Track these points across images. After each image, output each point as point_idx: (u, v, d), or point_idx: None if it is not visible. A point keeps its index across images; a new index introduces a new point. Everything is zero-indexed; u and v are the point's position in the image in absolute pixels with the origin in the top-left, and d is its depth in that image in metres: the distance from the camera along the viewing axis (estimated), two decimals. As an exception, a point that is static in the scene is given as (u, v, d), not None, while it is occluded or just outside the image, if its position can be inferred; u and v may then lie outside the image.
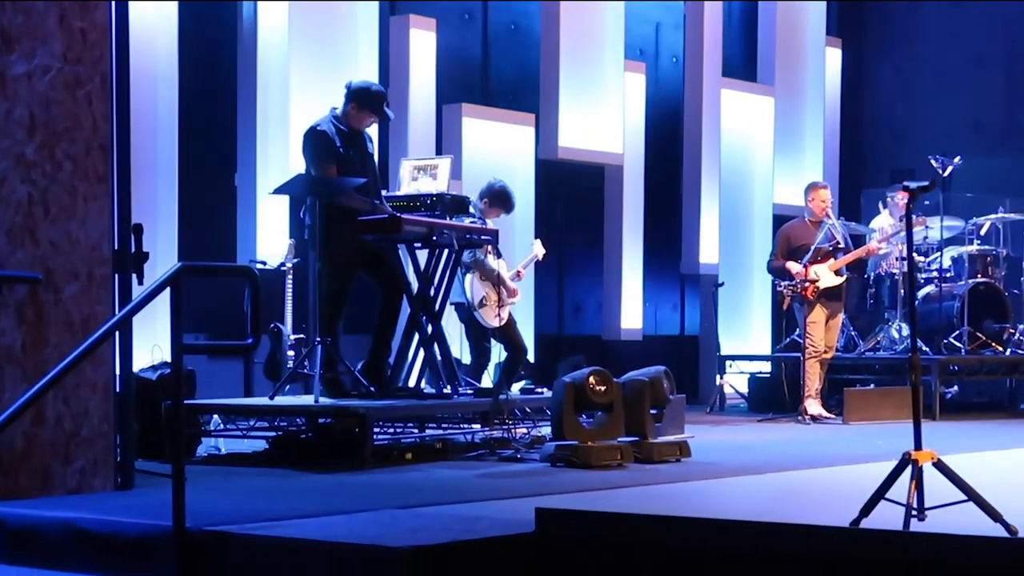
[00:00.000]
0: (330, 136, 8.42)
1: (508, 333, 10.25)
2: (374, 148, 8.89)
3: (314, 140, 8.46)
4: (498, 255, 10.22)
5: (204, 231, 10.89)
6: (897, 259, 12.62)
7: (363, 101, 8.57)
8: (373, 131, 9.12)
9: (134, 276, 6.60)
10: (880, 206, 12.88)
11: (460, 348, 10.45)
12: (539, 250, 10.92)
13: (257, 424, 8.52)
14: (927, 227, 12.77)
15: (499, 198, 10.28)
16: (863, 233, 12.77)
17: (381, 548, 4.60)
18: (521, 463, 7.92)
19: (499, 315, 10.09)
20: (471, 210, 9.55)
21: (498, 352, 10.41)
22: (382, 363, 8.66)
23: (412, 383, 8.87)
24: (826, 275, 11.58)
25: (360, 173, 8.37)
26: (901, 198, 12.61)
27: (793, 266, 11.64)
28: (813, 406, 11.57)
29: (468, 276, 10.00)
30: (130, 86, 6.73)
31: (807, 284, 11.47)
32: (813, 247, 11.58)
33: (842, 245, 11.79)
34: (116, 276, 6.54)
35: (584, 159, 13.70)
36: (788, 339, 12.60)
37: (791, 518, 5.22)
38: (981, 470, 6.47)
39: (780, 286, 11.76)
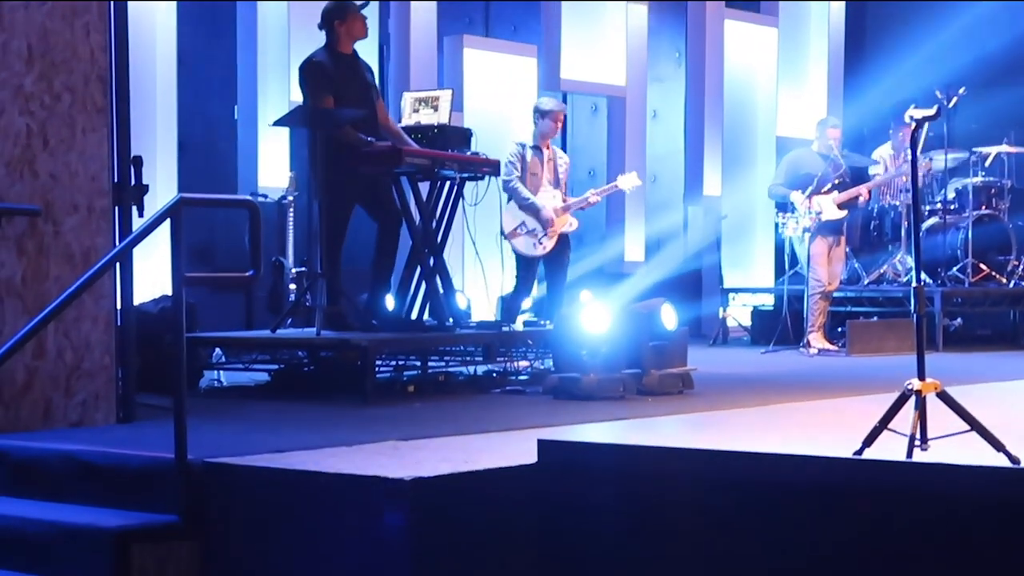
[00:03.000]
0: (326, 67, 8.34)
1: (554, 262, 10.30)
2: (375, 78, 8.81)
3: (310, 72, 8.39)
4: (556, 183, 10.26)
5: (205, 164, 10.85)
6: (901, 191, 12.58)
7: (340, 13, 8.48)
8: (373, 59, 9.04)
9: (134, 208, 6.57)
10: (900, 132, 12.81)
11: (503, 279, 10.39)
12: (627, 182, 10.86)
13: (259, 357, 8.51)
14: (930, 170, 12.74)
15: (539, 110, 10.31)
16: (866, 164, 12.71)
17: (383, 479, 4.59)
18: (523, 395, 7.93)
19: (540, 244, 10.14)
20: (529, 136, 10.03)
21: (501, 284, 10.34)
22: (383, 296, 8.64)
23: (414, 316, 8.85)
24: (829, 208, 11.54)
25: (358, 104, 8.30)
26: (904, 130, 12.59)
27: (796, 196, 11.60)
28: (816, 338, 11.56)
29: (506, 205, 10.08)
30: (128, 16, 6.67)
31: (810, 216, 11.44)
32: (817, 179, 11.53)
33: (846, 180, 11.74)
34: (116, 208, 6.51)
35: (587, 91, 13.62)
36: (791, 271, 12.57)
37: (794, 448, 5.21)
38: (984, 401, 6.47)
39: (782, 218, 11.74)
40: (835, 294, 12.05)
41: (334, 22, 8.47)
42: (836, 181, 11.64)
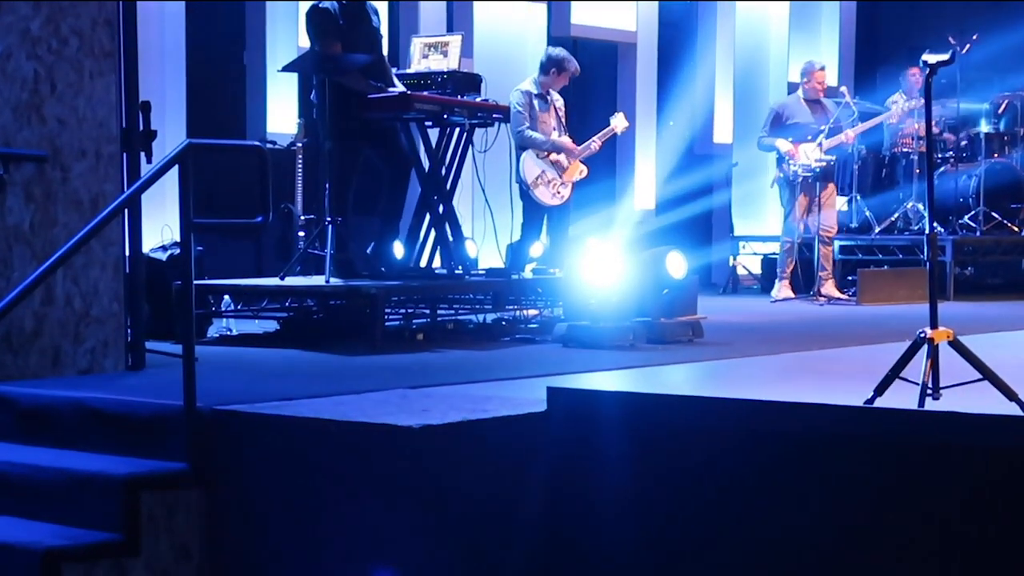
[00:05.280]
0: (332, 13, 8.25)
1: (559, 210, 10.35)
2: (380, 22, 8.73)
3: (317, 17, 8.30)
4: (563, 131, 10.27)
5: (213, 110, 10.80)
6: (913, 138, 12.51)
7: None
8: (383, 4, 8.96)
9: (142, 154, 6.54)
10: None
11: (512, 227, 10.40)
12: (619, 123, 10.81)
13: (268, 305, 8.49)
14: (942, 119, 12.67)
15: (560, 63, 10.24)
16: (879, 111, 12.64)
17: (391, 427, 4.58)
18: (533, 343, 7.91)
19: (558, 193, 10.19)
20: (530, 83, 10.14)
21: (510, 232, 10.32)
22: (391, 243, 8.61)
23: (423, 263, 8.82)
24: (814, 155, 11.43)
25: (366, 49, 8.23)
26: (913, 75, 12.54)
27: (782, 143, 11.53)
28: (827, 287, 11.52)
29: (523, 155, 10.06)
30: (134, -40, 6.62)
31: (798, 164, 11.37)
32: (827, 127, 11.45)
33: (840, 126, 11.64)
34: (124, 154, 6.48)
35: (597, 37, 13.54)
36: (802, 220, 12.52)
37: (804, 397, 5.19)
38: (997, 349, 6.43)
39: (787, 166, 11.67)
40: (846, 242, 12.00)
41: None
42: (845, 128, 11.57)
